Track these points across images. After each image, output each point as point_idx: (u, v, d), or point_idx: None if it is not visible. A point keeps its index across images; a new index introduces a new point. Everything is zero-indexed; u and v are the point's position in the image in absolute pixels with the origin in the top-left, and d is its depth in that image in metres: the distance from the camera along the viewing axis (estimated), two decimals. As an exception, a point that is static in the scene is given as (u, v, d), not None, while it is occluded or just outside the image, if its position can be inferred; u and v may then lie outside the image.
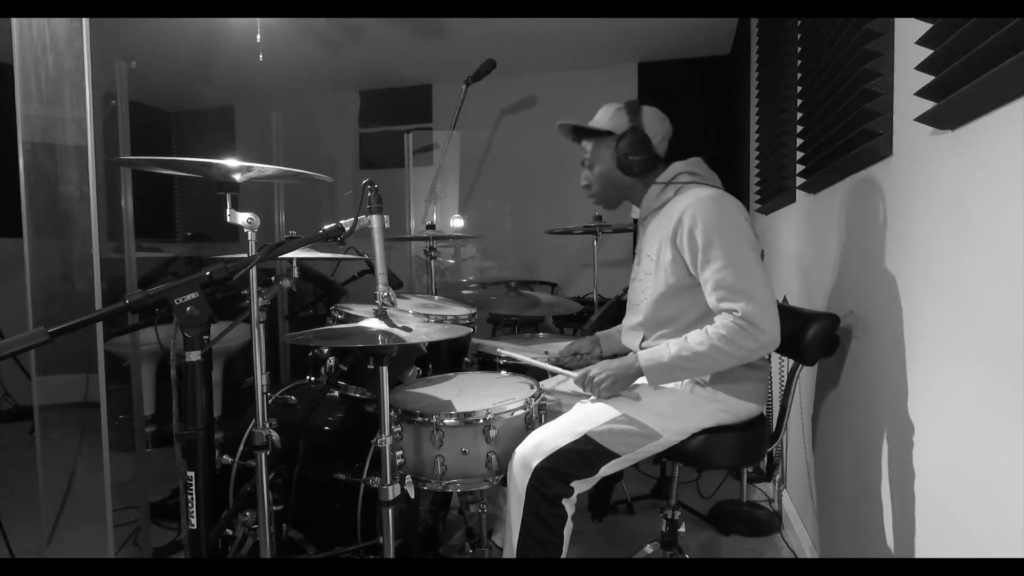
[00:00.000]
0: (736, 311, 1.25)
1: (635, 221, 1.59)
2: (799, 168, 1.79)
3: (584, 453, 1.29)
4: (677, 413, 1.35)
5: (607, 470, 1.31)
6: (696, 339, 1.29)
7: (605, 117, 1.48)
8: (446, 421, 1.36)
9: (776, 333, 1.27)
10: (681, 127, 1.51)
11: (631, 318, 1.53)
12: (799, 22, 1.81)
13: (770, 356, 1.54)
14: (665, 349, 1.32)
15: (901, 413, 1.13)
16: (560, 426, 1.33)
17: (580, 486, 1.30)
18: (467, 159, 4.30)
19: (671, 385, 1.39)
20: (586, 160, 1.52)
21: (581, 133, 1.52)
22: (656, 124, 1.46)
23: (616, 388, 1.37)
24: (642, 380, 1.36)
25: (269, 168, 1.29)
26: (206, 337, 1.04)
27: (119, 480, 1.69)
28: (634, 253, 1.59)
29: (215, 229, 3.90)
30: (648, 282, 1.45)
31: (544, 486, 1.26)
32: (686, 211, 1.33)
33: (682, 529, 1.62)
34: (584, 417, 1.34)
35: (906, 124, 1.08)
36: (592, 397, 1.41)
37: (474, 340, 1.92)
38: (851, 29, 1.28)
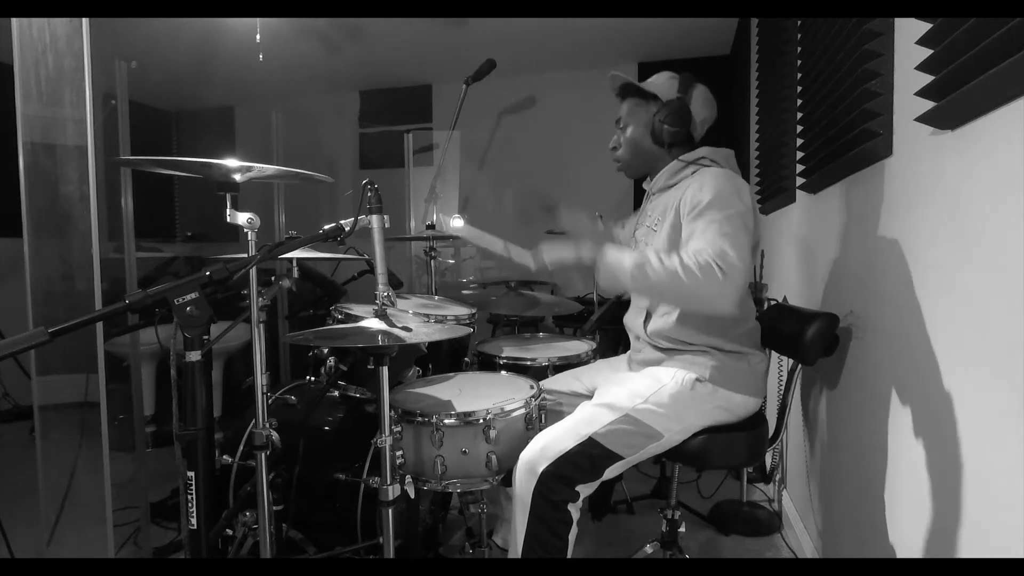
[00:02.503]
0: (713, 255, 1.18)
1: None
2: (799, 168, 1.79)
3: (590, 456, 1.28)
4: (678, 412, 1.34)
5: (610, 473, 1.31)
6: (664, 260, 1.19)
7: (657, 81, 1.48)
8: (446, 421, 1.36)
9: (735, 302, 1.19)
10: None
11: (635, 299, 1.54)
12: (799, 22, 1.81)
13: (769, 353, 1.53)
14: (626, 264, 1.20)
15: (901, 413, 1.13)
16: (564, 429, 1.33)
17: (585, 490, 1.30)
18: (467, 159, 4.30)
19: (671, 382, 1.37)
20: (621, 120, 1.52)
21: (628, 91, 1.51)
22: (702, 104, 1.45)
23: (562, 277, 1.28)
24: (627, 373, 1.34)
25: (269, 168, 1.29)
26: (206, 337, 1.04)
27: (119, 480, 1.69)
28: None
29: (215, 229, 3.90)
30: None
31: (550, 491, 1.26)
32: (696, 184, 1.32)
33: (682, 529, 1.62)
34: (587, 418, 1.33)
35: (906, 124, 1.08)
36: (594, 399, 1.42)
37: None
38: (851, 29, 1.28)
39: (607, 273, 1.22)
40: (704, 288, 1.16)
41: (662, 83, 1.47)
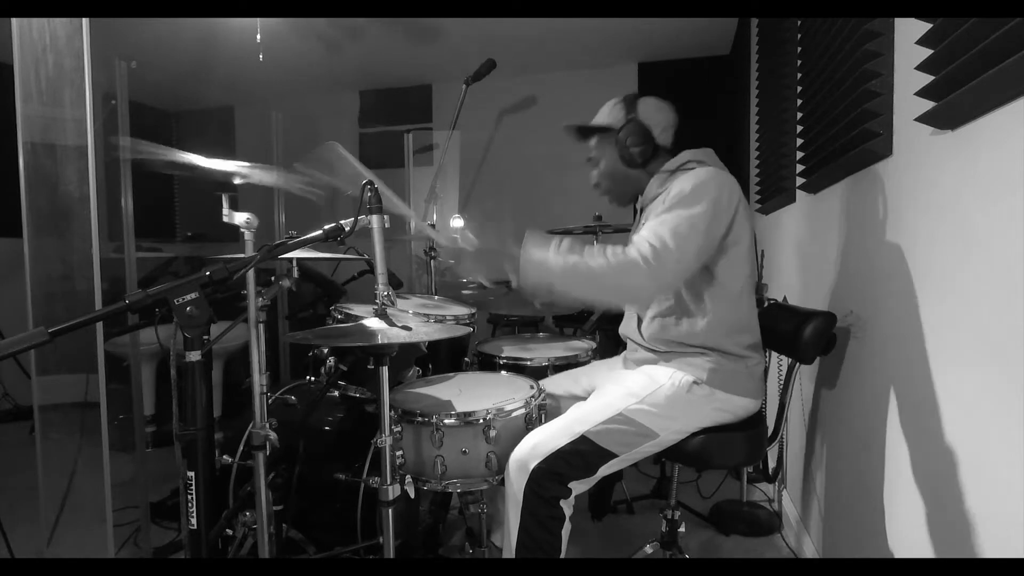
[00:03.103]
0: (651, 243, 1.23)
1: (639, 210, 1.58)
2: (799, 168, 1.79)
3: (582, 454, 1.28)
4: (674, 412, 1.34)
5: (605, 470, 1.31)
6: (592, 256, 1.23)
7: (604, 113, 1.50)
8: (446, 421, 1.36)
9: (653, 295, 1.31)
10: (681, 127, 1.51)
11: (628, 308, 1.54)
12: (799, 22, 1.81)
13: (768, 352, 1.53)
14: (552, 256, 1.25)
15: (901, 412, 1.13)
16: (557, 427, 1.33)
17: (578, 487, 1.29)
18: (467, 159, 4.30)
19: (668, 383, 1.37)
20: (592, 158, 1.53)
21: (585, 132, 1.53)
22: (655, 114, 1.46)
23: (477, 272, 1.31)
24: (623, 371, 1.35)
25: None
26: (206, 337, 1.04)
27: (119, 480, 1.69)
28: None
29: (215, 229, 3.90)
30: None
31: (541, 488, 1.26)
32: (679, 184, 1.35)
33: (682, 529, 1.62)
34: (581, 417, 1.33)
35: (906, 124, 1.08)
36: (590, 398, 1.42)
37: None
38: (851, 29, 1.28)
39: (530, 265, 1.25)
40: (634, 288, 1.25)
41: (608, 113, 1.49)
